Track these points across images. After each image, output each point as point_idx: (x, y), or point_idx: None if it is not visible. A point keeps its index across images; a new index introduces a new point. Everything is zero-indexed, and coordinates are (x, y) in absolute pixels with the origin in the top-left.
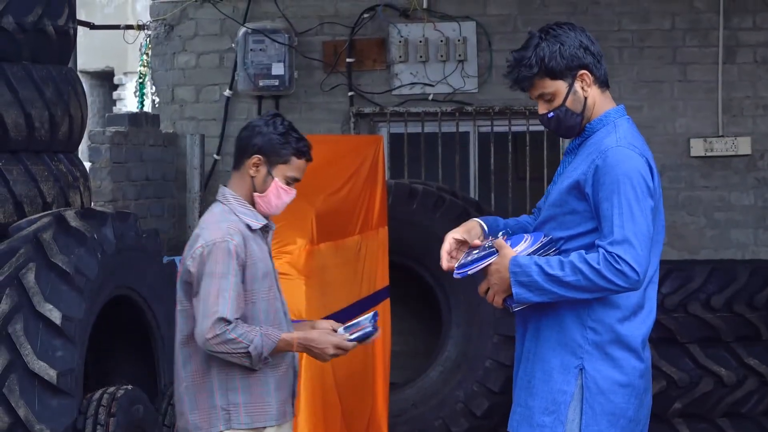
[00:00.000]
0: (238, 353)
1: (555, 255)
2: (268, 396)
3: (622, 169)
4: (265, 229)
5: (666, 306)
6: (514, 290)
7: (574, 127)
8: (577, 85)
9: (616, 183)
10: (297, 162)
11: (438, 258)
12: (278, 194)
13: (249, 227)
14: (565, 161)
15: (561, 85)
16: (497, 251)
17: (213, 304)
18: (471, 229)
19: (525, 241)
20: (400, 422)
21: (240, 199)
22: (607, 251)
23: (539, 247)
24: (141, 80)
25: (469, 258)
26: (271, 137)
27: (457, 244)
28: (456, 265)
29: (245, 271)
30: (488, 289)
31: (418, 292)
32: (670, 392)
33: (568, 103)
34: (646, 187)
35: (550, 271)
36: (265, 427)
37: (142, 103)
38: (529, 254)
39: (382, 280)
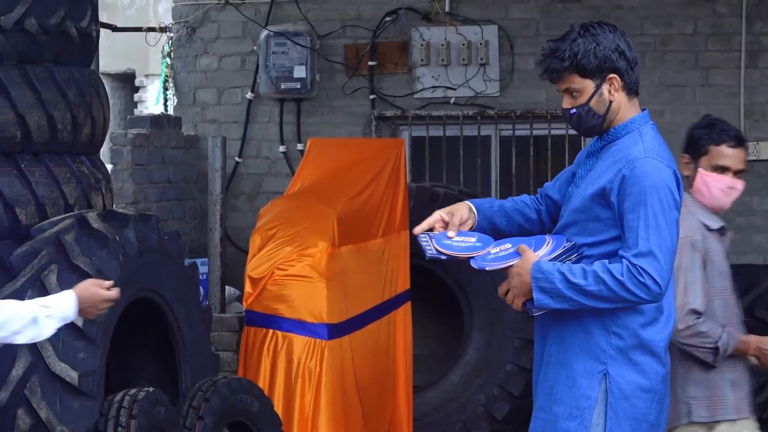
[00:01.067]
0: (705, 347)
1: (577, 260)
2: (724, 391)
3: (650, 180)
4: (722, 231)
5: None
6: (535, 296)
7: (594, 127)
8: (605, 88)
9: (644, 194)
10: (718, 149)
11: (459, 262)
12: (705, 183)
13: (707, 227)
14: (586, 164)
15: (589, 84)
16: (519, 254)
17: (683, 297)
18: (456, 211)
19: (547, 245)
20: (422, 426)
21: (695, 198)
22: (631, 263)
23: (562, 253)
24: (165, 83)
25: (490, 256)
26: (693, 133)
27: (443, 223)
28: (474, 257)
29: (704, 267)
30: (508, 290)
31: (440, 296)
32: None
33: (592, 104)
34: (673, 199)
35: (573, 280)
36: (719, 422)
37: (165, 105)
38: (551, 259)
39: (404, 283)
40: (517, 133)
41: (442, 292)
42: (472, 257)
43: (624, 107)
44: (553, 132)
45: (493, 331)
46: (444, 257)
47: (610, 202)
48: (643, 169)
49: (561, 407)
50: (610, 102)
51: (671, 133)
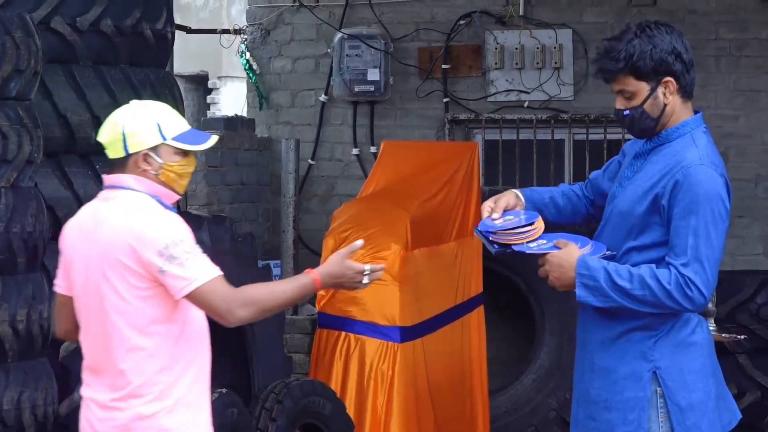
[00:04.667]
0: None
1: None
2: None
3: (704, 189)
4: None
5: (761, 316)
6: (578, 291)
7: (646, 130)
8: (660, 91)
9: (696, 203)
10: None
11: (532, 266)
12: None
13: None
14: (633, 165)
15: (643, 87)
16: (558, 247)
17: None
18: (502, 197)
19: (588, 248)
20: (493, 429)
21: None
22: (679, 273)
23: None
24: (255, 81)
25: (533, 243)
26: None
27: (489, 210)
28: (492, 230)
29: None
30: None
31: (512, 300)
32: (764, 403)
33: (646, 106)
34: (724, 209)
35: (618, 281)
36: None
37: (261, 102)
38: None
39: (477, 286)
40: (591, 137)
41: (514, 296)
42: (515, 244)
43: (678, 111)
44: (627, 136)
45: (565, 335)
46: (509, 251)
47: (660, 206)
48: (697, 177)
49: (614, 414)
50: (665, 105)
51: (746, 138)
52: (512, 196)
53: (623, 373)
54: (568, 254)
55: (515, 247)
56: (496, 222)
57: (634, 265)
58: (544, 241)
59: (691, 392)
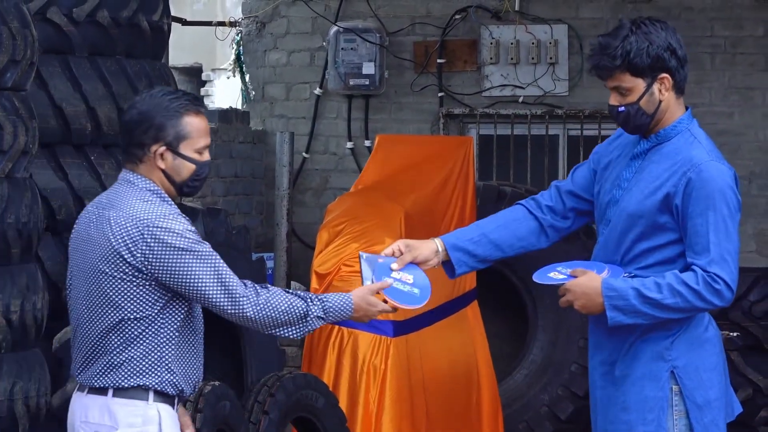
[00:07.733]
0: None
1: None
2: None
3: (717, 184)
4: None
5: (754, 313)
6: (609, 314)
7: (641, 126)
8: (656, 87)
9: (712, 199)
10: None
11: (526, 262)
12: None
13: None
14: (631, 166)
15: (639, 83)
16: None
17: None
18: (415, 248)
19: (605, 272)
20: None
21: None
22: (705, 271)
23: None
24: (242, 74)
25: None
26: None
27: (399, 253)
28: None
29: None
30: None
31: (505, 295)
32: (756, 400)
33: (642, 103)
34: (737, 201)
35: (648, 294)
36: None
37: (244, 97)
38: None
39: (470, 282)
40: (586, 132)
41: (507, 291)
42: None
43: (672, 107)
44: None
45: (558, 331)
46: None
47: (672, 206)
48: (710, 173)
49: (632, 414)
50: (660, 102)
51: (740, 135)
52: (428, 251)
53: (640, 374)
54: (591, 280)
55: (535, 278)
56: (393, 277)
57: (648, 267)
58: (562, 270)
59: (708, 389)
